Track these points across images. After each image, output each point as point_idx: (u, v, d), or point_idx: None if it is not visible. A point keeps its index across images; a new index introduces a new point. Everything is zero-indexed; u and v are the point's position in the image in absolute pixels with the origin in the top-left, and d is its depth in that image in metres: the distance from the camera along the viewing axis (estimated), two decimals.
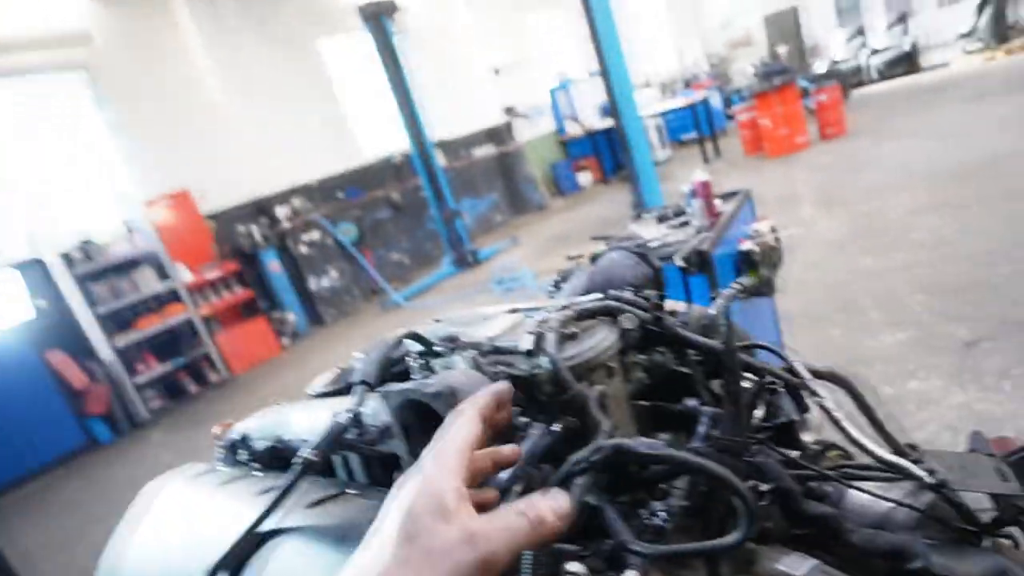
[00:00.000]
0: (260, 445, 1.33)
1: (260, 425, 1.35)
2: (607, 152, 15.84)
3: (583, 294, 1.13)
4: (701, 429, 0.97)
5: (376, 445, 1.05)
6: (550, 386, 0.93)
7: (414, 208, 12.97)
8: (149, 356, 9.48)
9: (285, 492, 0.99)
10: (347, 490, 1.06)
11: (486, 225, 14.42)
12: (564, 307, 1.03)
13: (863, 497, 1.03)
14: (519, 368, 0.96)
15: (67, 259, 8.84)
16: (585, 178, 16.35)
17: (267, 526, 1.00)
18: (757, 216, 3.93)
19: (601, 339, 0.97)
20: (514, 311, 1.20)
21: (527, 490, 0.86)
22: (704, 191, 3.38)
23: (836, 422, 1.00)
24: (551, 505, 0.62)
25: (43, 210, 9.32)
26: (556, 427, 0.92)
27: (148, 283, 9.48)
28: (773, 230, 3.52)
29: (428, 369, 1.17)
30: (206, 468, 1.40)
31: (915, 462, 1.08)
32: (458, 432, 0.66)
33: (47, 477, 8.47)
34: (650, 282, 1.16)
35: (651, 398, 1.08)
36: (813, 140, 12.54)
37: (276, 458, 1.30)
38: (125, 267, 9.43)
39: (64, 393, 8.90)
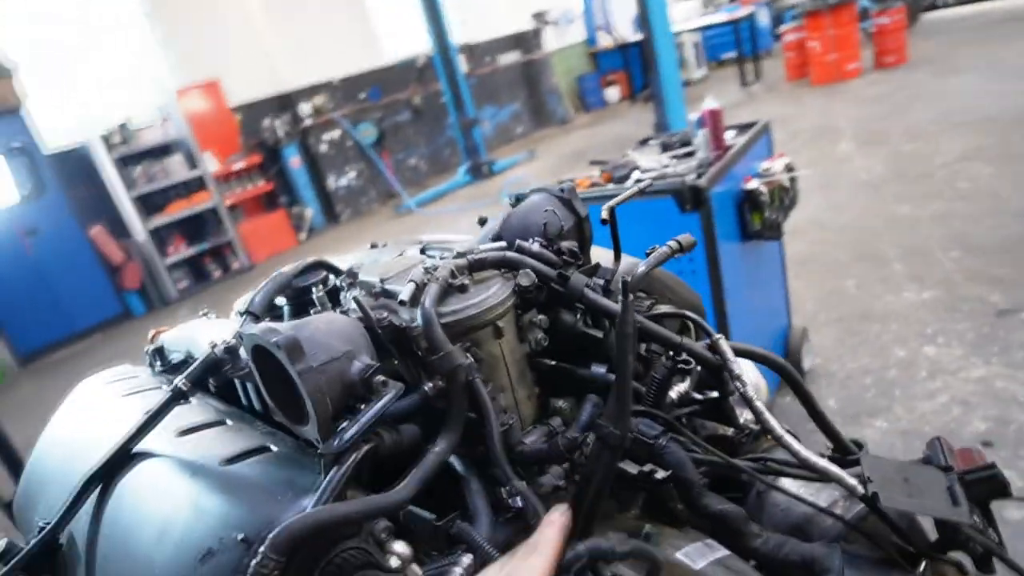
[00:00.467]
0: (174, 358, 1.23)
1: (178, 337, 1.24)
2: (638, 67, 13.73)
3: (494, 239, 0.98)
4: (584, 417, 0.84)
5: (248, 380, 0.93)
6: (424, 342, 0.79)
7: (434, 113, 12.50)
8: (178, 239, 9.46)
9: (152, 418, 0.90)
10: (228, 420, 0.95)
11: (505, 136, 13.89)
12: (461, 254, 0.89)
13: (793, 492, 0.91)
14: (399, 317, 0.82)
15: (106, 141, 8.78)
16: (613, 94, 15.07)
17: (141, 446, 0.91)
18: (774, 152, 3.49)
19: (490, 296, 0.83)
20: (423, 250, 1.06)
21: (378, 452, 0.74)
22: (713, 121, 2.99)
23: (756, 412, 0.86)
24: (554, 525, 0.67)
25: (86, 95, 9.19)
26: (427, 386, 0.79)
27: (178, 170, 9.37)
28: (789, 169, 3.15)
29: (333, 301, 1.05)
30: (128, 374, 1.31)
31: (851, 464, 0.95)
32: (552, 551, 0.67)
33: (88, 340, 8.66)
34: (571, 231, 0.99)
35: (559, 358, 0.94)
36: (866, 68, 10.64)
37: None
38: (158, 152, 9.32)
39: (104, 267, 9.03)
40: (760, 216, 3.03)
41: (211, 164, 9.59)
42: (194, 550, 0.71)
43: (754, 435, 1.07)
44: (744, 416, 1.23)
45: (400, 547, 0.63)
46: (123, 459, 0.90)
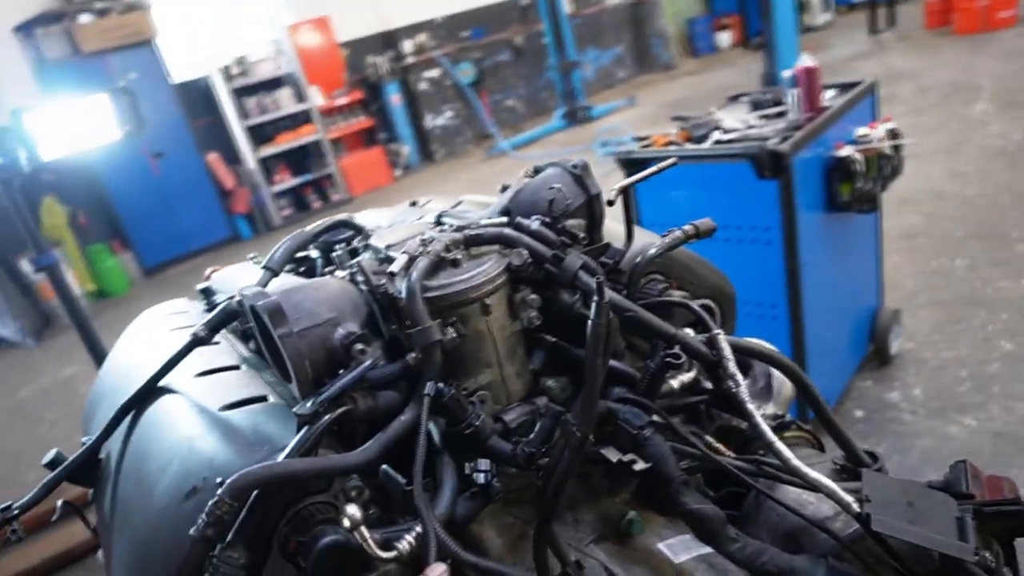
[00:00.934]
0: (217, 298, 1.30)
1: (224, 279, 1.31)
2: (755, 9, 11.96)
3: (502, 213, 0.97)
4: (536, 434, 0.83)
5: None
6: (407, 315, 0.81)
7: (535, 54, 12.20)
8: (283, 169, 9.83)
9: (173, 360, 0.96)
10: (243, 366, 1.01)
11: (606, 80, 13.41)
12: (459, 228, 0.89)
13: (789, 499, 0.88)
14: (393, 286, 0.84)
15: (225, 73, 9.20)
16: (724, 38, 13.86)
17: (166, 382, 0.99)
18: (879, 116, 3.16)
19: (479, 273, 0.83)
20: (439, 218, 1.06)
21: (351, 416, 0.77)
22: (807, 79, 2.73)
23: (747, 415, 0.83)
24: None
25: (209, 29, 9.59)
26: (411, 356, 0.81)
27: (287, 102, 9.69)
28: (893, 135, 2.86)
29: (352, 256, 1.07)
30: (182, 308, 1.40)
31: (851, 477, 0.90)
32: None
33: (201, 259, 9.22)
34: (581, 210, 0.97)
35: (559, 336, 0.93)
36: (1022, 17, 9.08)
37: None
38: (270, 85, 9.64)
39: (217, 192, 9.55)
40: (850, 186, 2.79)
41: (317, 98, 9.84)
42: (183, 486, 0.77)
43: (773, 431, 1.03)
44: (765, 410, 1.19)
45: (352, 509, 0.66)
46: (150, 393, 0.97)
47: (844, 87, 3.09)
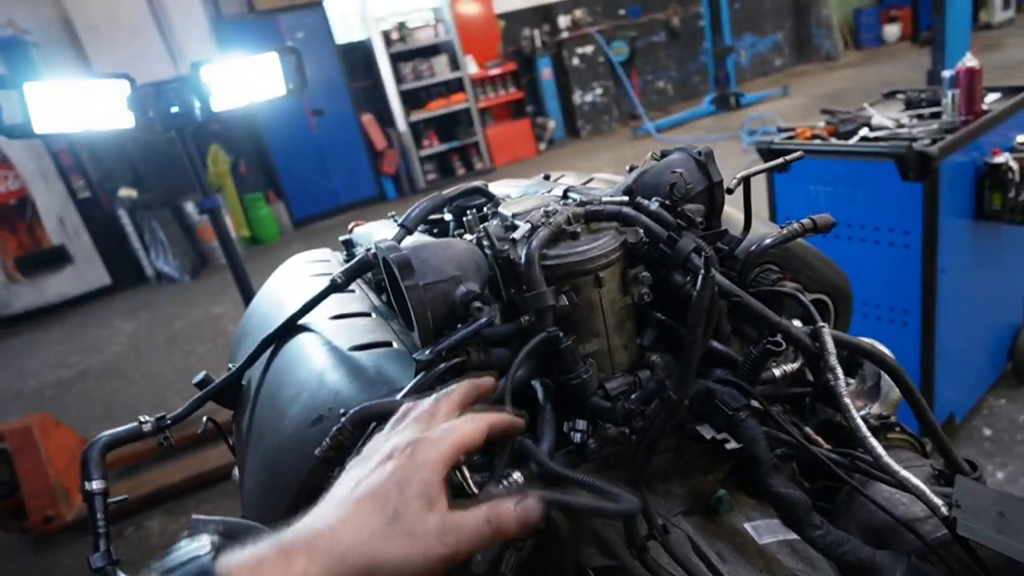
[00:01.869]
0: (357, 250, 1.42)
1: (365, 233, 1.43)
2: (927, 2, 11.47)
3: (625, 193, 1.01)
4: (645, 390, 0.86)
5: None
6: (524, 279, 0.87)
7: (690, 36, 11.89)
8: (432, 134, 10.24)
9: (313, 301, 1.08)
10: (373, 313, 1.11)
11: (760, 68, 12.86)
12: (581, 204, 0.94)
13: (880, 497, 0.88)
14: (515, 252, 0.90)
15: (386, 37, 9.70)
16: (892, 31, 13.17)
17: (304, 321, 1.11)
18: None
19: (595, 247, 0.88)
20: (566, 193, 1.11)
21: (464, 367, 0.84)
22: (967, 80, 2.61)
23: (842, 408, 0.84)
24: (519, 516, 0.60)
25: None
26: (524, 319, 0.87)
27: (442, 70, 10.04)
28: None
29: (481, 221, 1.15)
30: (324, 257, 1.54)
31: (949, 483, 0.89)
32: (464, 433, 0.64)
33: (347, 215, 9.83)
34: (701, 195, 0.99)
35: (669, 315, 0.97)
36: None
37: None
38: (427, 52, 10.05)
39: (368, 152, 10.12)
40: (1002, 196, 2.63)
41: (471, 67, 10.14)
42: (312, 414, 0.88)
43: (874, 430, 1.02)
44: (870, 409, 1.16)
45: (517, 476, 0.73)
46: (289, 329, 1.10)
47: (1010, 91, 2.90)
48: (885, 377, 1.10)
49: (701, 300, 0.74)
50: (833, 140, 2.74)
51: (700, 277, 0.73)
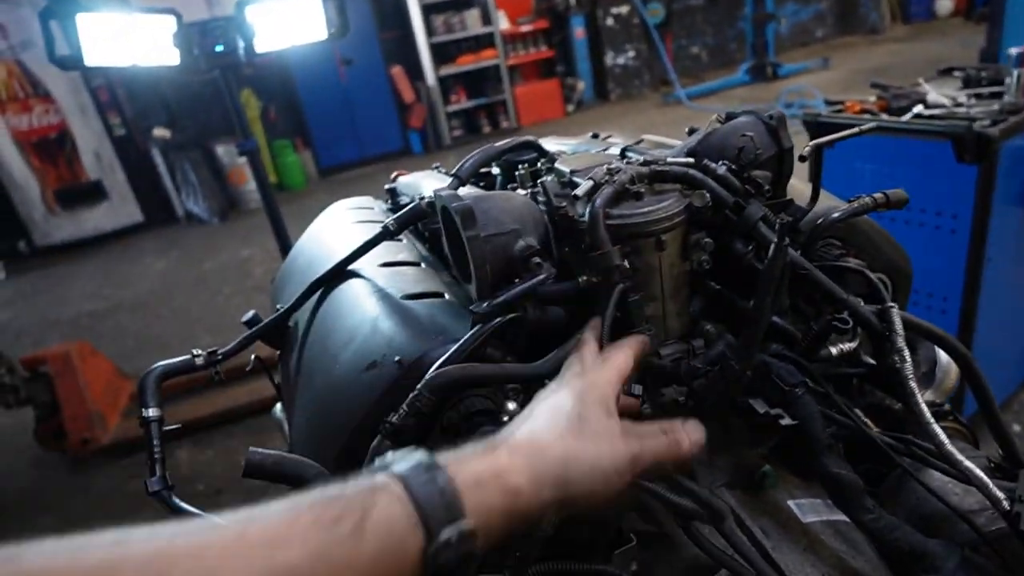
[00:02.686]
0: (401, 199, 1.40)
1: (409, 183, 1.40)
2: None
3: (689, 154, 0.97)
4: (712, 352, 0.84)
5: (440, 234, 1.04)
6: (588, 238, 0.84)
7: (730, 1, 11.52)
8: (460, 90, 10.09)
9: (364, 247, 1.06)
10: (423, 264, 1.09)
11: (801, 37, 12.41)
12: (646, 163, 0.90)
13: (935, 484, 0.86)
14: (574, 210, 0.87)
15: None
16: (944, 5, 12.44)
17: (354, 267, 1.09)
18: None
19: (659, 208, 0.84)
20: (624, 151, 1.07)
21: (521, 323, 0.82)
22: None
23: (908, 392, 0.81)
24: (689, 434, 0.66)
25: None
26: (582, 279, 0.85)
27: (474, 24, 9.83)
28: None
29: (534, 177, 1.12)
30: (367, 204, 1.52)
31: (1006, 477, 0.87)
32: (621, 360, 0.72)
33: (372, 167, 9.79)
34: (770, 162, 0.95)
35: (725, 285, 0.94)
36: None
37: None
38: (459, 5, 9.82)
39: (396, 105, 10.00)
40: None
41: (502, 23, 9.92)
42: (364, 359, 0.86)
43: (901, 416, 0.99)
44: (924, 395, 1.13)
45: (512, 406, 0.72)
46: (338, 274, 1.08)
47: None
48: (940, 362, 1.07)
49: (773, 269, 0.71)
50: (884, 116, 2.63)
51: (773, 246, 0.70)
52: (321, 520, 0.46)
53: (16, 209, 8.42)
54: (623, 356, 0.73)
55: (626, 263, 0.83)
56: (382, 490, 0.49)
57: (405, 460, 0.53)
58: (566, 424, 0.61)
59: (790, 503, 0.91)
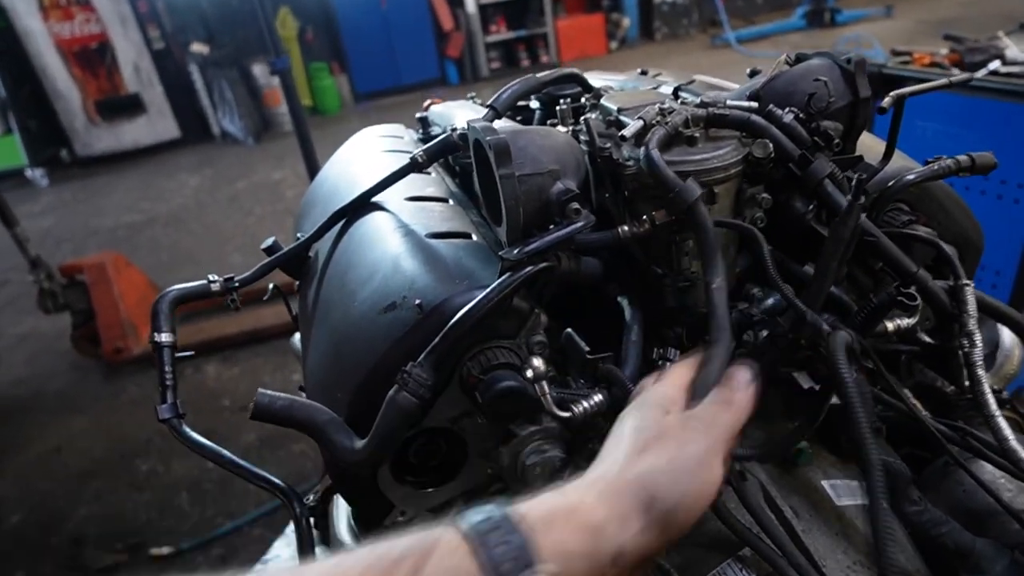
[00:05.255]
0: (433, 130, 1.32)
1: (442, 113, 1.32)
2: None
3: (751, 98, 0.86)
4: (767, 303, 0.76)
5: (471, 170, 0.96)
6: (633, 182, 0.76)
7: None
8: (501, 20, 9.76)
9: (390, 178, 0.99)
10: (451, 200, 1.02)
11: None
12: (703, 105, 0.80)
13: (985, 477, 0.79)
14: (619, 152, 0.79)
15: None
16: None
17: (378, 199, 1.02)
18: None
19: (714, 156, 0.75)
20: (678, 90, 0.97)
21: (553, 273, 0.75)
22: None
23: (974, 379, 0.73)
24: (747, 384, 0.61)
25: None
26: (623, 228, 0.77)
27: None
28: None
29: (577, 113, 1.02)
30: (397, 132, 1.44)
31: None
32: (741, 415, 0.61)
33: (407, 95, 9.58)
34: (842, 112, 0.84)
35: (779, 246, 0.85)
36: None
37: None
38: None
39: (435, 32, 9.71)
40: None
41: None
42: (384, 299, 0.80)
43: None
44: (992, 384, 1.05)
45: (538, 363, 0.65)
46: (362, 205, 1.01)
47: None
48: (1003, 346, 0.98)
49: (843, 230, 0.62)
50: (956, 71, 2.44)
51: (847, 203, 0.62)
52: (377, 565, 0.42)
53: (59, 118, 8.43)
54: (683, 368, 0.64)
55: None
56: (440, 541, 0.44)
57: (473, 512, 0.47)
58: (628, 444, 0.54)
59: (824, 483, 0.85)
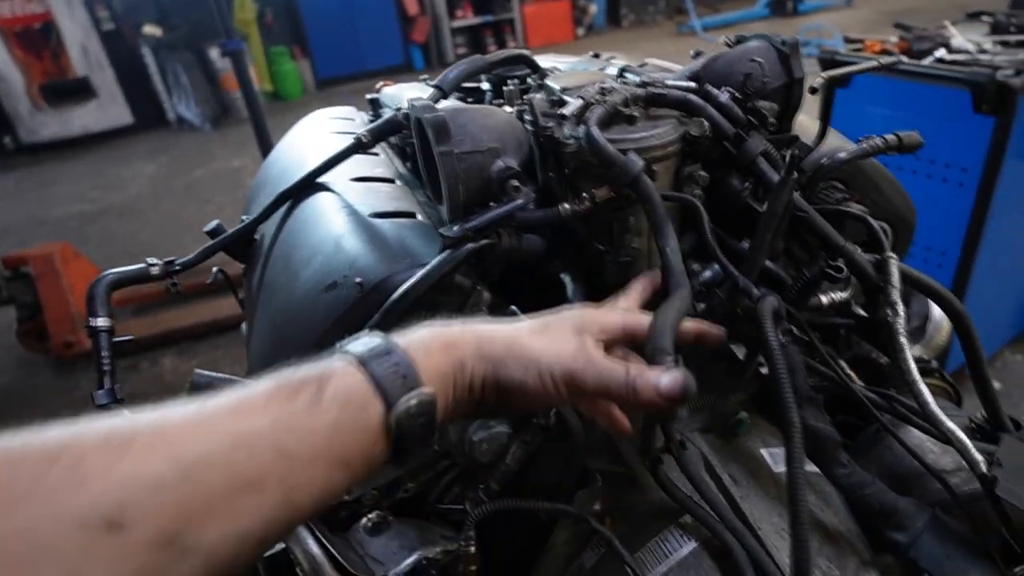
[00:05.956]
0: (383, 111, 1.32)
1: (394, 95, 1.32)
2: None
3: (691, 79, 0.89)
4: (704, 276, 0.79)
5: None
6: (575, 160, 0.78)
7: None
8: (467, 5, 9.71)
9: (334, 159, 0.99)
10: (397, 181, 1.03)
11: None
12: (642, 85, 0.83)
13: (912, 442, 0.83)
14: (560, 131, 0.80)
15: None
16: None
17: (324, 179, 1.03)
18: None
19: (653, 135, 0.77)
20: (622, 71, 0.99)
21: (493, 250, 0.77)
22: None
23: (896, 347, 0.77)
24: (660, 384, 0.59)
25: None
26: (564, 207, 0.79)
27: None
28: None
29: (524, 94, 1.04)
30: (347, 115, 1.44)
31: (987, 439, 0.84)
32: (638, 320, 0.66)
33: (371, 80, 9.28)
34: (777, 92, 0.88)
35: (718, 223, 0.88)
36: None
37: None
38: None
39: (399, 17, 9.61)
40: None
41: None
42: (326, 278, 0.81)
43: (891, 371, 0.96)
44: (915, 351, 1.10)
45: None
46: (308, 186, 1.02)
47: None
48: (932, 319, 1.03)
49: (776, 205, 0.65)
50: (904, 58, 2.51)
51: (779, 179, 0.64)
52: (279, 395, 0.46)
53: (1, 102, 8.17)
54: (631, 316, 0.67)
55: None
56: (337, 368, 0.49)
57: (358, 341, 0.52)
58: (527, 325, 0.62)
59: (763, 451, 0.89)
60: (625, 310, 0.70)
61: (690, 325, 0.69)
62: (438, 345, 0.55)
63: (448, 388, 0.55)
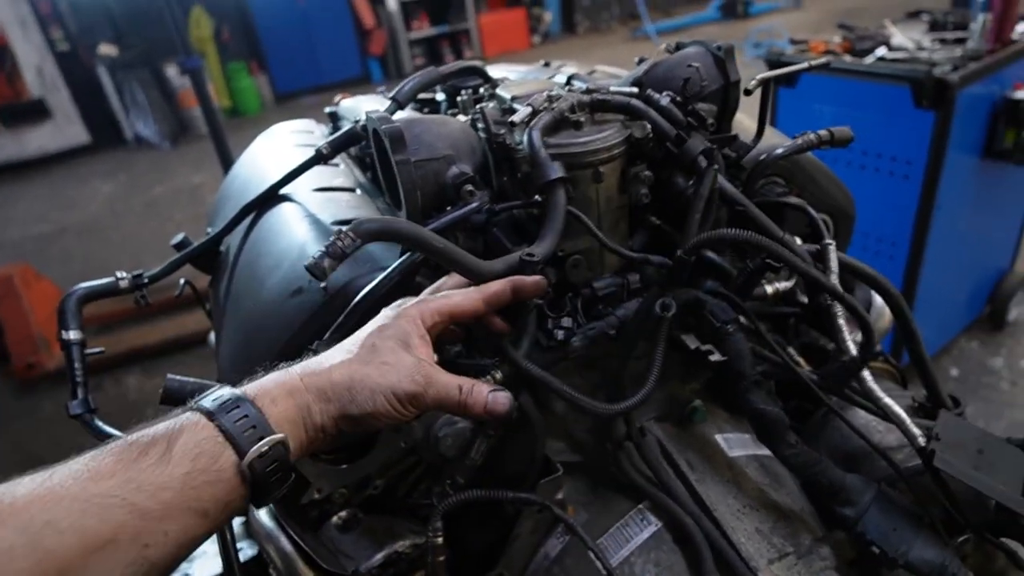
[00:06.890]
0: (342, 124, 1.34)
1: (352, 107, 1.34)
2: None
3: (634, 84, 0.93)
4: (632, 278, 0.82)
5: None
6: (525, 165, 0.81)
7: None
8: (423, 16, 9.71)
9: (296, 171, 1.01)
10: (358, 190, 1.05)
11: None
12: (587, 91, 0.86)
13: (857, 423, 0.87)
14: (511, 137, 0.84)
15: None
16: None
17: (287, 190, 1.04)
18: None
19: (597, 139, 0.81)
20: (570, 79, 1.03)
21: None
22: (1001, 5, 2.43)
23: (834, 329, 0.81)
24: (487, 401, 0.66)
25: None
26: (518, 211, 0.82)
27: None
28: None
29: (476, 103, 1.07)
30: (308, 128, 1.45)
31: (928, 416, 0.88)
32: (454, 302, 0.70)
33: (330, 93, 9.25)
34: (715, 95, 0.92)
35: (667, 221, 0.92)
36: None
37: None
38: None
39: (356, 29, 9.54)
40: (1016, 133, 2.52)
41: None
42: (291, 285, 0.83)
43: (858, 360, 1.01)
44: (855, 336, 1.15)
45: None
46: (271, 198, 1.04)
47: None
48: (875, 306, 1.08)
49: (699, 193, 0.70)
50: (847, 57, 2.59)
51: (704, 167, 0.69)
52: (128, 456, 0.48)
53: None
54: (460, 299, 0.71)
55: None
56: (186, 423, 0.52)
57: (207, 397, 0.55)
58: (357, 352, 0.64)
59: (718, 437, 0.92)
60: (442, 296, 0.72)
61: (498, 286, 0.72)
62: (282, 393, 0.58)
63: (299, 432, 0.58)
